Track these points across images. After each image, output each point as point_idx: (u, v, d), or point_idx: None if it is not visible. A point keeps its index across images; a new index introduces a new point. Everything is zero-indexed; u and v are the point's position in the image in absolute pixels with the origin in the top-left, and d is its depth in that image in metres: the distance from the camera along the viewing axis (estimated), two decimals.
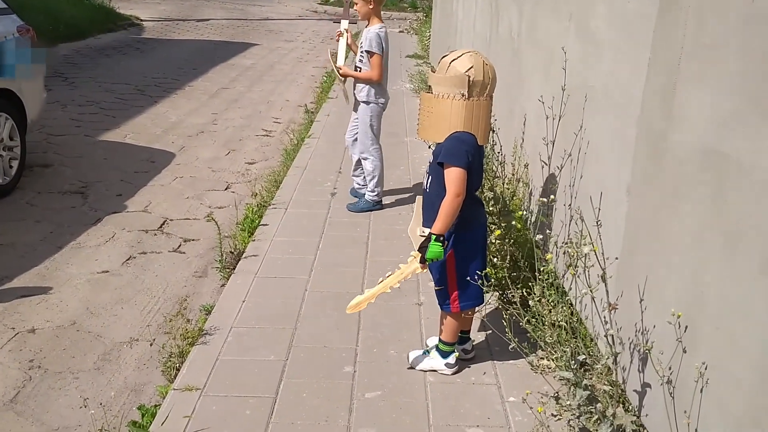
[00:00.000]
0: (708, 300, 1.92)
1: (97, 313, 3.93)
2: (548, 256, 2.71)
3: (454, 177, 2.84)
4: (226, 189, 6.17)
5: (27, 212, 5.33)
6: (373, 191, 5.23)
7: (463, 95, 2.79)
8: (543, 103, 3.32)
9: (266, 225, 4.97)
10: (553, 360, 2.76)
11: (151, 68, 11.94)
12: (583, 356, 2.40)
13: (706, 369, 1.87)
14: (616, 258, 2.49)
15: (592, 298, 2.35)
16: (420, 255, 2.89)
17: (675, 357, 2.05)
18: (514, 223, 3.46)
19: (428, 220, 3.08)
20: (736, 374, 1.79)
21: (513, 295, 2.80)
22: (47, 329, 3.73)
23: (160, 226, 5.23)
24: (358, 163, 5.32)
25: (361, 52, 5.03)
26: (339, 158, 6.69)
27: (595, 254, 2.32)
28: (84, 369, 3.41)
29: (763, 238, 1.66)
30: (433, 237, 2.84)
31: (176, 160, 6.94)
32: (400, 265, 3.01)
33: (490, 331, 3.47)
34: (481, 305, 3.26)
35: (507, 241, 3.45)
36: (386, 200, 5.43)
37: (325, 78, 11.10)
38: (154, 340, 3.63)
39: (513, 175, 4.12)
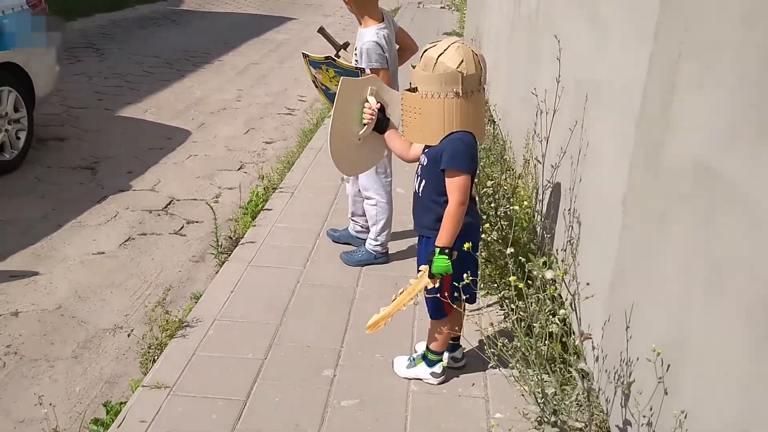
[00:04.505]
0: (691, 339, 1.67)
1: (85, 297, 3.83)
2: (544, 269, 2.44)
3: (459, 185, 2.61)
4: (239, 169, 6.02)
5: (33, 187, 5.26)
6: (376, 240, 3.98)
7: (457, 93, 2.54)
8: (536, 95, 3.06)
9: (270, 210, 4.80)
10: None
11: (184, 41, 11.84)
12: (553, 390, 2.17)
13: (685, 418, 1.63)
14: (587, 284, 2.24)
15: (578, 319, 2.11)
16: (427, 269, 2.67)
17: (656, 396, 1.81)
18: (516, 212, 3.21)
19: (420, 225, 2.86)
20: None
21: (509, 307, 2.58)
22: (31, 312, 3.64)
23: (165, 207, 5.11)
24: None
25: (357, 65, 3.62)
26: None
27: (563, 280, 2.08)
28: (61, 357, 3.31)
29: (749, 276, 1.41)
30: (438, 250, 2.62)
31: (193, 137, 6.81)
32: (410, 281, 2.80)
33: (483, 339, 3.24)
34: (472, 304, 3.05)
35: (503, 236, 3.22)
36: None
37: None
38: (132, 330, 3.50)
39: (525, 166, 3.85)
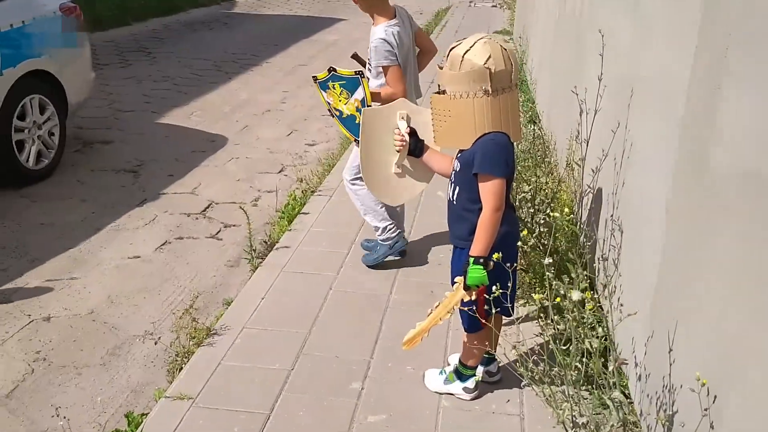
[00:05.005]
0: (739, 368, 1.48)
1: (117, 303, 3.79)
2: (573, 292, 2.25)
3: (493, 190, 2.43)
4: (279, 172, 5.96)
5: (75, 190, 5.29)
6: (377, 229, 3.86)
7: (486, 91, 2.38)
8: (576, 93, 2.86)
9: (307, 213, 4.70)
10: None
11: (234, 44, 11.91)
12: (585, 418, 1.99)
13: None
14: (621, 303, 2.04)
15: (613, 342, 1.93)
16: (463, 281, 2.50)
17: (701, 431, 1.62)
18: (557, 219, 3.00)
19: (455, 235, 2.69)
20: None
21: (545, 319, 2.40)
22: (63, 318, 3.61)
23: (204, 210, 5.07)
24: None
25: (370, 65, 3.58)
26: None
27: (598, 304, 1.89)
28: (89, 364, 3.26)
29: None
30: (472, 260, 2.45)
31: (236, 139, 6.79)
32: (446, 293, 2.65)
33: (522, 352, 3.06)
34: (508, 317, 2.89)
35: (545, 242, 3.03)
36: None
37: None
38: (159, 338, 3.43)
39: (568, 167, 3.65)
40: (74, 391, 3.07)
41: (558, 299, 2.06)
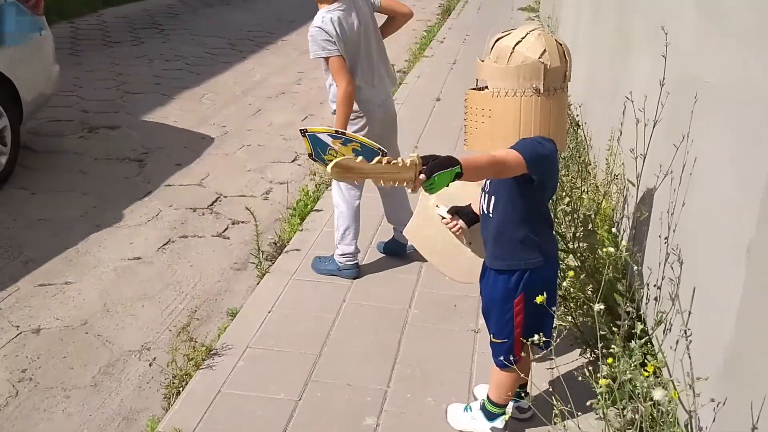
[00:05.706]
0: None
1: (113, 311, 3.50)
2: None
3: (510, 154, 1.97)
4: (293, 161, 5.63)
5: (77, 182, 4.99)
6: (337, 247, 3.58)
7: (537, 90, 2.01)
8: (632, 100, 2.47)
9: (320, 211, 4.38)
10: None
11: (249, 20, 11.54)
12: None
13: None
14: (713, 401, 1.68)
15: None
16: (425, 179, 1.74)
17: None
18: (602, 250, 2.64)
19: (492, 255, 2.32)
20: None
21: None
22: (54, 330, 3.33)
23: (211, 204, 4.75)
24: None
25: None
26: (419, 130, 6.00)
27: (679, 401, 1.54)
28: (79, 385, 2.97)
29: None
30: (458, 170, 1.76)
31: (248, 124, 6.46)
32: (397, 160, 1.73)
33: (558, 385, 2.74)
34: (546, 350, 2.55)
35: (586, 277, 2.67)
36: None
37: (425, 34, 10.28)
38: (154, 358, 3.13)
39: (608, 176, 3.28)
40: (60, 419, 2.79)
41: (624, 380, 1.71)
